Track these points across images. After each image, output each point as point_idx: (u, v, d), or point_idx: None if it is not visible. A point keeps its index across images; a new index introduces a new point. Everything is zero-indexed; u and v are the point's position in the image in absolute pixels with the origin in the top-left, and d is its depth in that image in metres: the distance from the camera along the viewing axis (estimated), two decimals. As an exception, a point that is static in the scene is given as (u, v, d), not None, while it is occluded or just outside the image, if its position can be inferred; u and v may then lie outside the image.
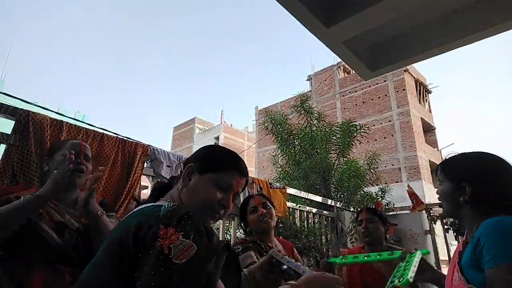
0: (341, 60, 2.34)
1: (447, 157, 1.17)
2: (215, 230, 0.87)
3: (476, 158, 1.09)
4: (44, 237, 1.17)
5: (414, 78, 18.89)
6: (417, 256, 1.31)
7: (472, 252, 0.96)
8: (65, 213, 1.29)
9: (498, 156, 1.07)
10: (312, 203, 4.67)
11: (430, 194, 14.66)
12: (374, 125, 17.16)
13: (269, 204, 1.79)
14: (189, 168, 0.87)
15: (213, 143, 24.28)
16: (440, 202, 1.16)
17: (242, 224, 1.84)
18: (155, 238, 0.65)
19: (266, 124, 8.52)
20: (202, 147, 0.96)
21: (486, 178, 1.03)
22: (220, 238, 2.70)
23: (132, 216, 0.75)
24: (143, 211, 0.76)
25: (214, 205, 0.85)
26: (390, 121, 17.71)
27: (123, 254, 0.67)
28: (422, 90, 19.82)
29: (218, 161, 0.90)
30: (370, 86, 18.66)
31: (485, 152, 1.10)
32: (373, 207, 2.17)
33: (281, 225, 3.42)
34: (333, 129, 7.84)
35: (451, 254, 4.76)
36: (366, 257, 1.68)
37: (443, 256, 6.42)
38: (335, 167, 7.27)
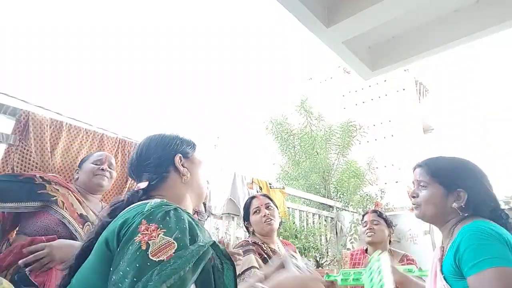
0: (341, 60, 2.34)
1: (428, 159, 1.16)
2: (205, 228, 0.85)
3: (465, 164, 1.09)
4: (63, 223, 1.26)
5: (414, 78, 18.90)
6: (379, 261, 1.24)
7: (453, 259, 0.93)
8: (90, 209, 1.41)
9: (475, 163, 1.10)
10: (311, 203, 4.67)
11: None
12: (374, 125, 17.17)
13: (272, 205, 1.77)
14: (180, 159, 0.91)
15: (214, 144, 24.21)
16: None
17: (245, 224, 1.83)
18: (135, 233, 0.63)
19: (266, 124, 8.51)
20: (155, 140, 0.93)
21: (478, 185, 1.04)
22: (219, 238, 2.68)
23: (120, 216, 0.73)
24: (130, 209, 0.73)
25: None
26: (390, 121, 17.72)
27: (109, 255, 0.65)
28: (422, 90, 19.83)
29: (190, 141, 0.99)
30: (370, 86, 18.66)
31: (466, 159, 1.11)
32: (377, 209, 2.20)
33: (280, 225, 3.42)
34: (333, 128, 7.83)
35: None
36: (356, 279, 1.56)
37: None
38: (335, 167, 7.27)
